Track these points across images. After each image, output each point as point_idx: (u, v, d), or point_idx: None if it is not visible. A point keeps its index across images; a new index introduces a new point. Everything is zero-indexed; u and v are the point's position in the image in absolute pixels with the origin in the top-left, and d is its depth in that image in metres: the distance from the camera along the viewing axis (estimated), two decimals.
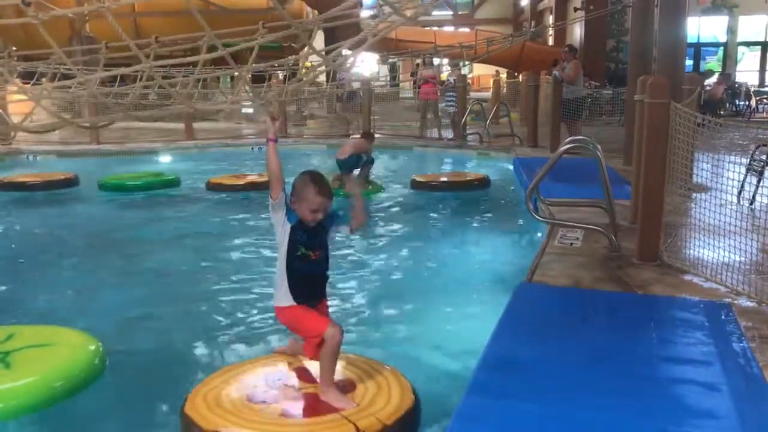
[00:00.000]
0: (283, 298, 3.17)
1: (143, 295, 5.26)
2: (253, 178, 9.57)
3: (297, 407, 3.07)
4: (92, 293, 5.34)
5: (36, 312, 4.81)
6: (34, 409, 3.30)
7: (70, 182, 9.64)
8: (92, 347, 3.75)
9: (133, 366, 3.89)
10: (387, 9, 3.12)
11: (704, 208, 4.71)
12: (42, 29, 3.05)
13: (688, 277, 4.52)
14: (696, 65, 25.46)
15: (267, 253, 6.24)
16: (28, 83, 7.44)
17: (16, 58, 5.31)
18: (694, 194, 5.58)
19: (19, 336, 3.83)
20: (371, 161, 9.08)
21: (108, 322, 4.53)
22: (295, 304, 3.16)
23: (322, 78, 21.85)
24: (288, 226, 3.14)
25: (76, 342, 3.81)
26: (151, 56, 3.58)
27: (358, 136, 10.19)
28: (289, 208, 3.15)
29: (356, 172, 8.93)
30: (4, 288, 5.47)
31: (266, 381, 3.28)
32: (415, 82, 17.94)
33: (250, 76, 19.33)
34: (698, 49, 25.79)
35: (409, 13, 3.36)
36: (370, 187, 9.04)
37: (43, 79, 7.25)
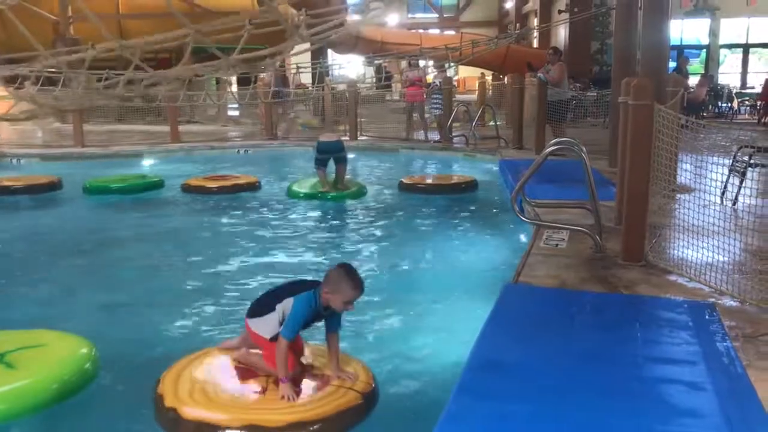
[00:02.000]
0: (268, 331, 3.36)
1: (128, 296, 5.24)
2: (230, 179, 9.64)
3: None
4: (79, 296, 5.32)
5: (22, 316, 4.76)
6: (31, 411, 3.33)
7: (54, 186, 9.56)
8: (86, 350, 3.78)
9: (125, 367, 3.89)
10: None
11: (688, 208, 4.76)
12: (19, 24, 3.03)
13: (672, 278, 4.55)
14: (679, 67, 25.69)
15: (252, 253, 6.25)
16: (10, 88, 7.38)
17: None
18: (678, 195, 5.64)
19: (11, 340, 3.82)
20: (344, 160, 9.08)
21: (95, 324, 4.52)
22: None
23: (308, 80, 21.84)
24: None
25: (70, 345, 3.83)
26: (137, 56, 3.56)
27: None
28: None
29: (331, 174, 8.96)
30: None
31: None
32: (390, 85, 17.90)
33: (235, 78, 19.24)
34: (681, 52, 26.01)
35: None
36: (347, 187, 9.04)
37: (26, 83, 7.19)
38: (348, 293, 3.23)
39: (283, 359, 3.23)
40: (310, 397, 3.26)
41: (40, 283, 5.65)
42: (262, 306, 3.42)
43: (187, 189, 9.33)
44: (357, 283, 3.25)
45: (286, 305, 3.29)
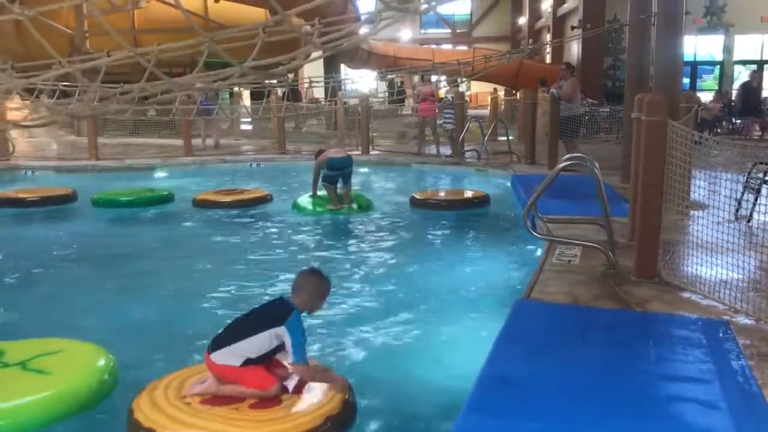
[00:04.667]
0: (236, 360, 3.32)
1: (141, 308, 5.26)
2: (240, 194, 9.67)
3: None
4: (92, 307, 5.34)
5: (37, 325, 4.80)
6: (51, 421, 3.38)
7: (69, 198, 9.65)
8: (106, 359, 3.85)
9: (140, 378, 3.87)
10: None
11: (702, 225, 4.72)
12: (37, 35, 3.07)
13: (686, 295, 4.51)
14: (693, 84, 25.61)
15: (259, 266, 6.26)
16: (27, 100, 7.46)
17: (15, 72, 5.32)
18: (692, 212, 5.59)
19: (30, 349, 3.89)
20: (350, 175, 9.02)
21: (108, 334, 4.53)
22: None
23: (321, 94, 21.95)
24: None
25: (91, 355, 3.89)
26: (152, 62, 3.59)
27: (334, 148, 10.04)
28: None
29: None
30: (10, 301, 5.48)
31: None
32: (403, 100, 17.96)
33: (248, 92, 19.33)
34: (695, 68, 25.96)
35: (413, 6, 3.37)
36: (353, 205, 8.96)
37: (42, 96, 7.26)
38: (325, 290, 3.49)
39: (311, 376, 3.35)
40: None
41: (52, 294, 5.68)
42: (222, 341, 3.38)
43: (198, 203, 9.33)
44: (327, 280, 3.53)
45: (270, 336, 3.28)
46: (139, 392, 3.41)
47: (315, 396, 3.32)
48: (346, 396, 3.36)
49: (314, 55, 4.08)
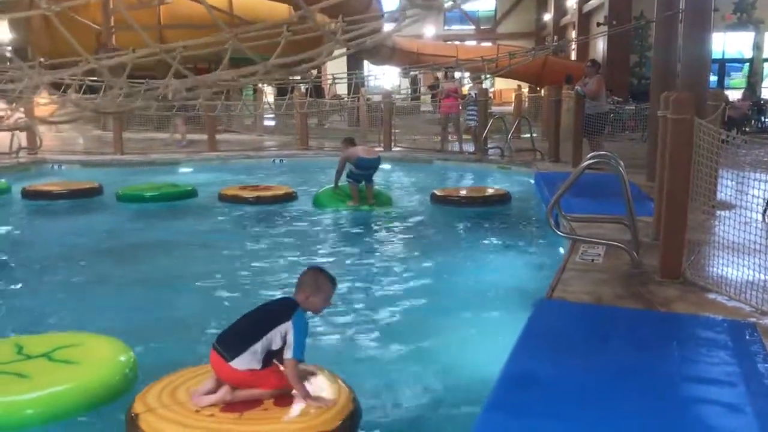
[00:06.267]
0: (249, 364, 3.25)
1: (161, 304, 5.31)
2: (265, 190, 9.70)
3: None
4: (112, 300, 5.40)
5: (55, 318, 4.87)
6: (84, 410, 3.40)
7: (95, 191, 9.78)
8: (126, 353, 3.86)
9: (159, 372, 3.90)
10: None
11: (728, 225, 4.65)
12: (64, 32, 3.10)
13: (711, 296, 4.45)
14: (720, 81, 25.25)
15: (280, 261, 6.30)
16: (55, 95, 7.56)
17: (44, 68, 5.41)
18: (718, 211, 5.52)
19: (49, 342, 3.91)
20: (373, 175, 9.04)
21: (127, 328, 4.57)
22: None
23: (344, 90, 21.96)
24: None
25: (111, 348, 3.91)
26: (177, 59, 3.62)
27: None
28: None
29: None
30: (29, 296, 5.53)
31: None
32: (434, 96, 17.97)
33: (273, 87, 19.42)
34: (723, 66, 25.59)
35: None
36: (373, 202, 8.96)
37: (69, 90, 7.37)
38: (328, 289, 3.40)
39: (296, 378, 3.24)
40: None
41: (71, 287, 5.74)
42: (239, 344, 3.27)
43: (223, 198, 9.38)
44: (332, 278, 3.46)
45: (275, 335, 3.24)
46: (138, 414, 3.13)
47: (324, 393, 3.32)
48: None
49: (337, 52, 4.08)
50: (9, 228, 8.23)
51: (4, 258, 6.67)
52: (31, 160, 12.92)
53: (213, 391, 3.28)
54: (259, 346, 3.23)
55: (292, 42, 3.83)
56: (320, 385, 3.38)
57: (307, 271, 3.50)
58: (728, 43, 25.17)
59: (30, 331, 4.40)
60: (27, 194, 9.55)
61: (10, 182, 10.29)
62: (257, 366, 3.24)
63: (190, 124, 17.24)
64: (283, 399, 3.25)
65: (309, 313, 3.43)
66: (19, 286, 5.70)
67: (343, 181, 8.92)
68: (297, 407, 3.19)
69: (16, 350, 3.79)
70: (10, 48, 20.55)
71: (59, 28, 3.12)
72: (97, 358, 3.75)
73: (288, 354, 3.23)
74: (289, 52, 3.61)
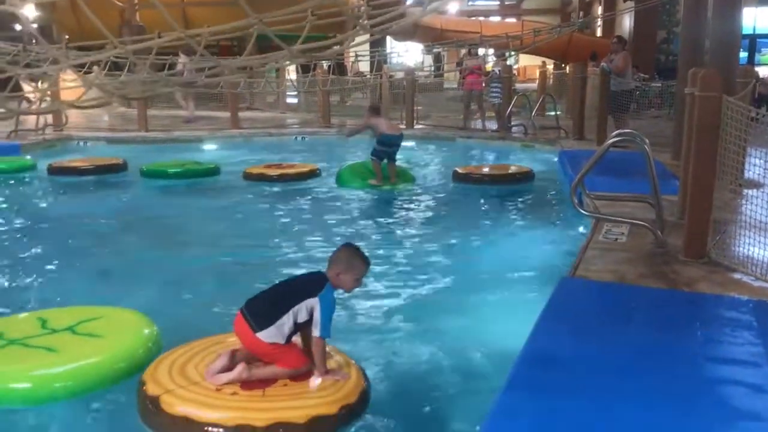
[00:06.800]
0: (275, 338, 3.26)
1: (182, 277, 5.37)
2: (289, 168, 9.71)
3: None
4: (134, 274, 5.47)
5: (83, 293, 4.93)
6: (98, 387, 3.43)
7: (120, 167, 9.91)
8: (148, 325, 3.91)
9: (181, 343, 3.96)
10: None
11: (756, 205, 4.58)
12: (89, 12, 3.12)
13: (736, 276, 4.40)
14: (751, 58, 24.70)
15: (302, 237, 6.33)
16: (80, 73, 7.63)
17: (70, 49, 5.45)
18: (745, 190, 5.43)
19: (72, 316, 3.96)
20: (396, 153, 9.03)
21: (149, 301, 4.64)
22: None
23: (366, 68, 21.83)
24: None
25: (134, 320, 3.97)
26: (202, 44, 3.63)
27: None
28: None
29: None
30: (53, 270, 5.62)
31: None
32: (460, 72, 17.81)
33: (294, 68, 19.39)
34: (753, 41, 25.01)
35: None
36: (395, 180, 8.93)
37: (95, 67, 7.42)
38: (360, 268, 3.35)
39: (323, 356, 3.25)
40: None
41: (97, 261, 5.83)
42: (268, 316, 3.26)
43: (247, 176, 9.40)
44: (366, 258, 3.40)
45: (302, 308, 3.23)
46: (158, 396, 3.11)
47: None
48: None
49: (361, 38, 4.06)
50: (35, 203, 8.38)
51: (29, 233, 6.79)
52: (57, 137, 13.08)
53: (228, 369, 3.24)
54: (285, 319, 3.23)
55: (316, 23, 3.82)
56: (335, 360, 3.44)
57: (341, 248, 3.43)
58: (759, 17, 24.54)
59: (55, 304, 4.49)
60: (53, 170, 9.68)
61: (36, 159, 10.45)
62: (281, 341, 3.25)
63: (213, 101, 17.29)
64: (301, 378, 3.28)
65: (339, 291, 3.38)
66: (43, 260, 5.79)
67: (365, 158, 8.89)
68: (315, 381, 3.22)
69: (40, 323, 3.86)
70: (35, 26, 20.70)
71: (83, 8, 3.14)
72: (120, 332, 3.80)
73: (316, 332, 3.22)
74: (312, 31, 3.60)
